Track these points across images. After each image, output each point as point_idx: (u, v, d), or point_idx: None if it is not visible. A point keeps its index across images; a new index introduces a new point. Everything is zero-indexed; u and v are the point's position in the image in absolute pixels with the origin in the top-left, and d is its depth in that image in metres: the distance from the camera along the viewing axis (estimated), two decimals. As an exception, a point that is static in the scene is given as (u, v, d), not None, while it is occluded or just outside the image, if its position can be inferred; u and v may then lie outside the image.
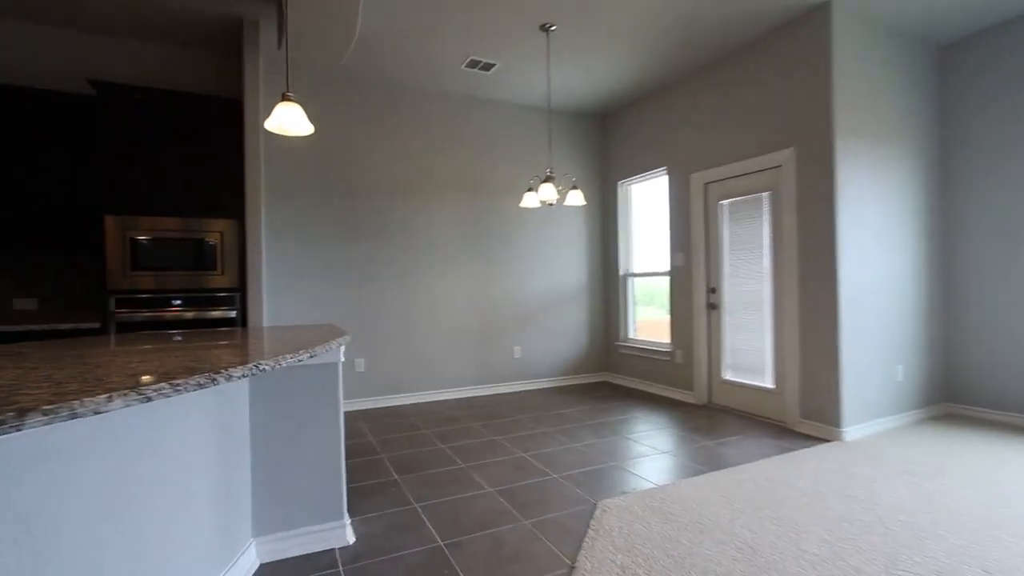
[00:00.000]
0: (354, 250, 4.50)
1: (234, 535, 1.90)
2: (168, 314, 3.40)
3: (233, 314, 3.57)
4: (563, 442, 3.49)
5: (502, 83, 4.69)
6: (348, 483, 2.82)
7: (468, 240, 4.98)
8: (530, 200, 3.86)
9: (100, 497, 1.27)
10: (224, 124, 3.61)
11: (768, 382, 4.01)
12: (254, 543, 2.03)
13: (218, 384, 1.19)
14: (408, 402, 4.69)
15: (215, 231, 3.52)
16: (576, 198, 3.83)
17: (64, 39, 3.62)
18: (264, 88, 3.81)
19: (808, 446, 3.34)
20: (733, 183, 4.27)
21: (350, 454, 3.30)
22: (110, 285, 3.26)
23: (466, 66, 4.34)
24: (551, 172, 3.68)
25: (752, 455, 3.19)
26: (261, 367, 1.37)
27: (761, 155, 3.95)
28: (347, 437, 3.66)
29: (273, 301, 4.21)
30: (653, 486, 2.71)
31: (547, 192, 3.56)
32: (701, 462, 3.07)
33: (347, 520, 2.19)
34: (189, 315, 3.43)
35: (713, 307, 4.44)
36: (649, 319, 5.34)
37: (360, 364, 4.51)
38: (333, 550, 2.13)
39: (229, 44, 3.89)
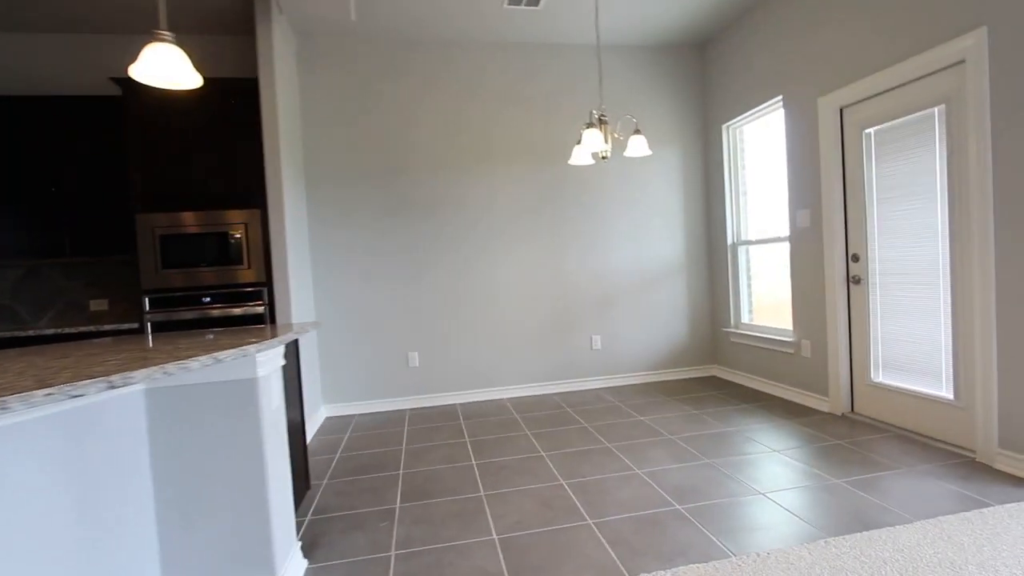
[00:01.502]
0: (404, 234, 4.09)
1: (127, 593, 1.54)
2: (196, 312, 3.30)
3: (261, 309, 3.37)
4: (625, 465, 2.69)
5: (556, 20, 3.85)
6: (340, 510, 2.39)
7: (533, 214, 4.28)
8: (579, 155, 3.04)
9: None
10: (248, 108, 3.38)
11: (944, 390, 2.72)
12: (165, 599, 1.66)
13: None
14: (466, 400, 4.20)
15: (239, 223, 3.33)
16: (638, 146, 2.91)
17: (85, 44, 3.67)
18: (282, 66, 3.51)
19: (1017, 498, 2.10)
20: (882, 101, 2.95)
21: (369, 468, 2.90)
22: (144, 284, 3.24)
23: (509, 3, 3.60)
24: (601, 115, 2.81)
25: (917, 507, 2.08)
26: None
27: (927, 50, 2.62)
28: (377, 445, 3.27)
29: (319, 291, 3.98)
30: (733, 558, 1.83)
31: (593, 141, 2.71)
32: (830, 514, 2.07)
33: (278, 574, 1.73)
34: (215, 312, 3.30)
35: (855, 281, 3.18)
36: (771, 300, 4.13)
37: (414, 358, 4.13)
38: (261, 614, 1.69)
39: (249, 25, 3.67)
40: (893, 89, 2.86)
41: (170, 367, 1.30)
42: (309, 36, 3.92)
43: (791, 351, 3.69)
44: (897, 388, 2.97)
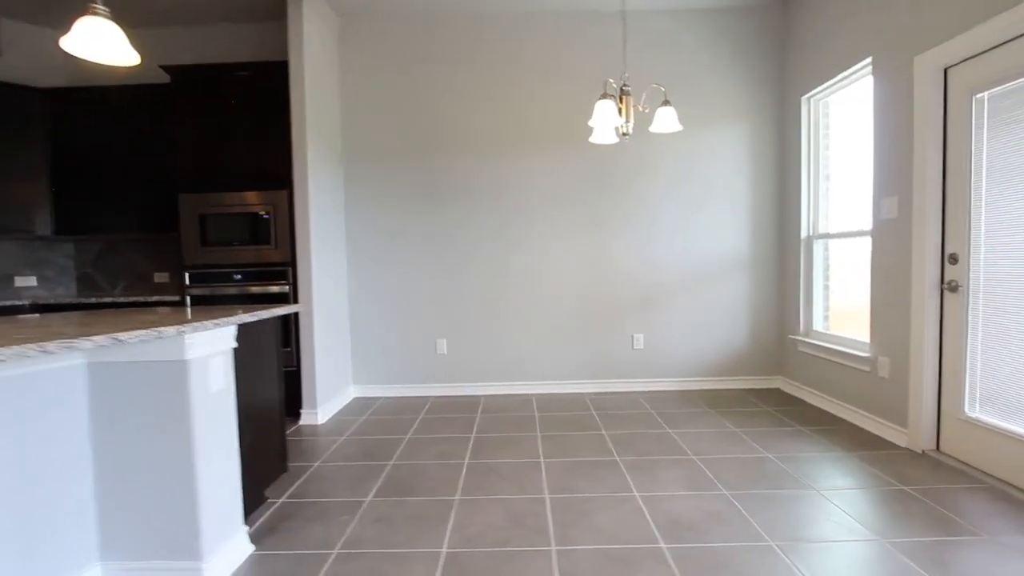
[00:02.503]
0: (438, 217, 3.99)
1: (63, 559, 1.58)
2: (233, 288, 3.45)
3: (286, 288, 3.45)
4: (625, 485, 2.37)
5: (603, -18, 3.47)
6: (314, 496, 2.35)
7: (574, 199, 3.96)
8: (600, 133, 2.69)
9: None
10: (282, 91, 3.44)
11: (1064, 439, 2.06)
12: (100, 568, 1.70)
13: None
14: (491, 393, 4.03)
15: (268, 204, 3.42)
16: (666, 120, 2.51)
17: (132, 38, 3.94)
18: (318, 48, 3.52)
19: None
20: (1001, 56, 2.26)
21: (364, 455, 2.85)
22: (185, 260, 3.45)
23: (544, -32, 3.30)
24: (624, 84, 2.45)
25: (968, 595, 1.57)
26: None
27: (1065, -19, 1.94)
28: (385, 431, 3.23)
29: (352, 272, 4.02)
30: (691, 618, 1.49)
31: (606, 114, 2.37)
32: (833, 584, 1.63)
33: (204, 561, 1.70)
34: (252, 289, 3.43)
35: (952, 288, 2.52)
36: (852, 305, 3.47)
37: (442, 345, 4.04)
38: (183, 598, 1.67)
39: (282, 9, 3.73)
40: (1017, 39, 2.17)
41: (52, 346, 1.27)
42: (351, 16, 3.91)
43: (866, 368, 3.06)
44: (997, 428, 2.31)
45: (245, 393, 2.07)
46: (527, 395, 3.98)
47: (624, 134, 2.52)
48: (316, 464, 2.73)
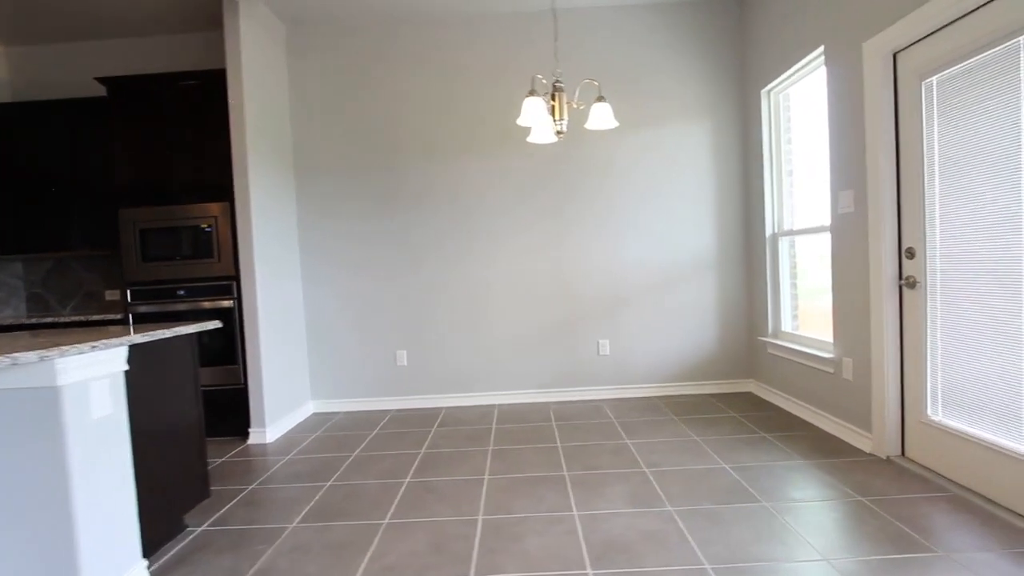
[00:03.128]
0: (394, 225, 3.87)
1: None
2: (175, 305, 3.34)
3: (229, 303, 3.33)
4: (565, 503, 2.23)
5: (551, -22, 3.37)
6: (238, 523, 2.22)
7: (531, 203, 3.84)
8: (538, 132, 2.57)
9: None
10: (222, 101, 3.34)
11: (1022, 442, 1.92)
12: (-27, 614, 1.57)
13: None
14: (453, 405, 3.90)
15: (210, 216, 3.31)
16: (601, 117, 2.39)
17: (70, 52, 3.86)
18: (260, 56, 3.42)
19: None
20: (948, 37, 2.14)
21: (305, 475, 2.71)
22: (126, 277, 3.34)
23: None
24: (556, 81, 2.33)
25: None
26: None
27: (1003, -45, 1.82)
28: (334, 448, 3.10)
29: (308, 284, 3.90)
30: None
31: (534, 112, 2.26)
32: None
33: (85, 605, 1.57)
34: (204, 304, 3.31)
35: (910, 284, 2.38)
36: (818, 305, 3.33)
37: (402, 357, 3.91)
38: (61, 644, 1.54)
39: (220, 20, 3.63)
40: (964, 17, 2.05)
41: None
42: (298, 23, 3.82)
43: (831, 370, 2.92)
44: (959, 431, 2.17)
45: (149, 417, 1.94)
46: (490, 406, 3.85)
47: (558, 132, 2.40)
48: (251, 487, 2.60)
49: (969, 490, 2.14)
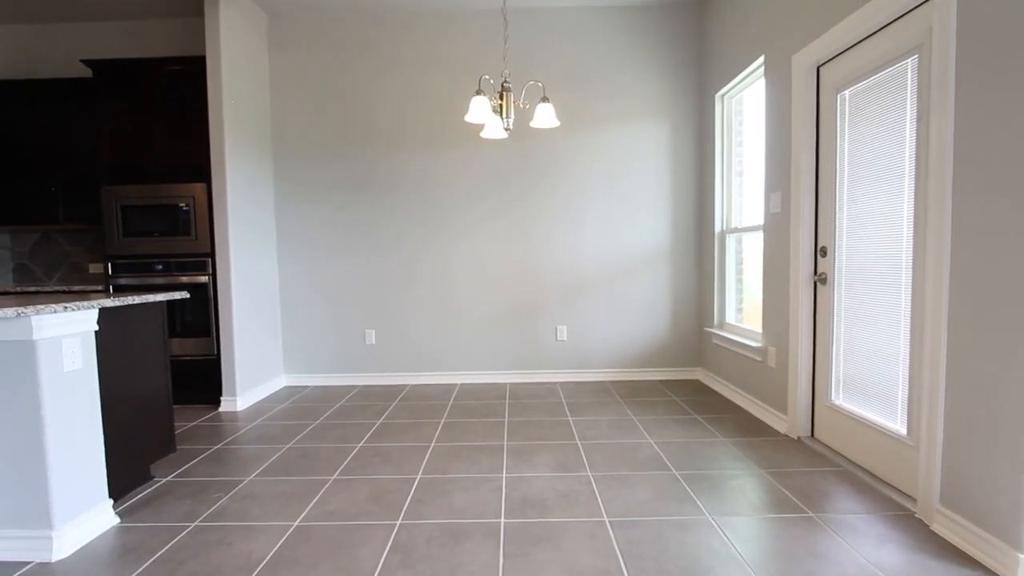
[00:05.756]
0: (367, 210, 4.07)
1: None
2: (157, 279, 3.54)
3: (205, 279, 3.54)
4: (497, 467, 2.46)
5: (519, -19, 3.55)
6: (200, 475, 2.45)
7: (497, 192, 4.05)
8: (490, 128, 2.77)
9: None
10: (206, 85, 3.52)
11: (898, 422, 2.16)
12: (-46, 537, 1.80)
13: None
14: (417, 383, 4.13)
15: (188, 196, 3.50)
16: (544, 117, 2.60)
17: (58, 32, 4.01)
18: (239, 44, 3.60)
19: None
20: (859, 54, 2.35)
21: (267, 439, 2.94)
22: (107, 251, 3.54)
23: (458, -34, 3.38)
24: (504, 80, 2.53)
25: (774, 567, 1.67)
26: None
27: (894, -16, 2.03)
28: (298, 417, 3.32)
29: (284, 264, 4.11)
30: (491, 583, 1.59)
31: (481, 110, 2.46)
32: (660, 565, 1.73)
33: (55, 530, 1.79)
34: (181, 279, 3.51)
35: (823, 281, 2.61)
36: (759, 299, 3.56)
37: (371, 336, 4.13)
38: (32, 563, 1.76)
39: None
40: (871, 36, 2.26)
41: None
42: (280, 14, 3.99)
43: (759, 358, 3.16)
44: (852, 414, 2.41)
45: (118, 375, 2.16)
46: (451, 384, 4.08)
47: (506, 128, 2.61)
48: (216, 447, 2.83)
49: (858, 466, 2.38)
